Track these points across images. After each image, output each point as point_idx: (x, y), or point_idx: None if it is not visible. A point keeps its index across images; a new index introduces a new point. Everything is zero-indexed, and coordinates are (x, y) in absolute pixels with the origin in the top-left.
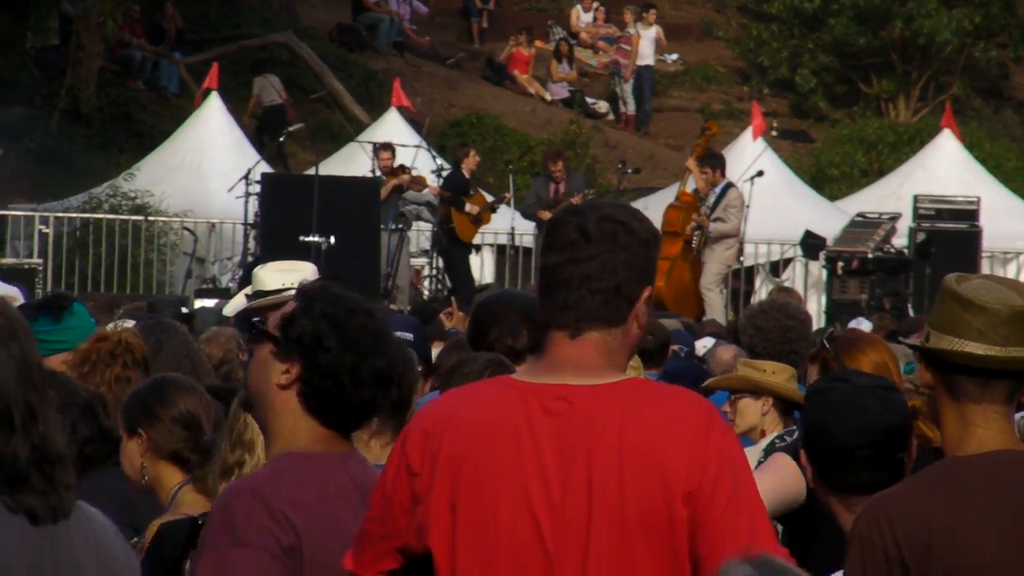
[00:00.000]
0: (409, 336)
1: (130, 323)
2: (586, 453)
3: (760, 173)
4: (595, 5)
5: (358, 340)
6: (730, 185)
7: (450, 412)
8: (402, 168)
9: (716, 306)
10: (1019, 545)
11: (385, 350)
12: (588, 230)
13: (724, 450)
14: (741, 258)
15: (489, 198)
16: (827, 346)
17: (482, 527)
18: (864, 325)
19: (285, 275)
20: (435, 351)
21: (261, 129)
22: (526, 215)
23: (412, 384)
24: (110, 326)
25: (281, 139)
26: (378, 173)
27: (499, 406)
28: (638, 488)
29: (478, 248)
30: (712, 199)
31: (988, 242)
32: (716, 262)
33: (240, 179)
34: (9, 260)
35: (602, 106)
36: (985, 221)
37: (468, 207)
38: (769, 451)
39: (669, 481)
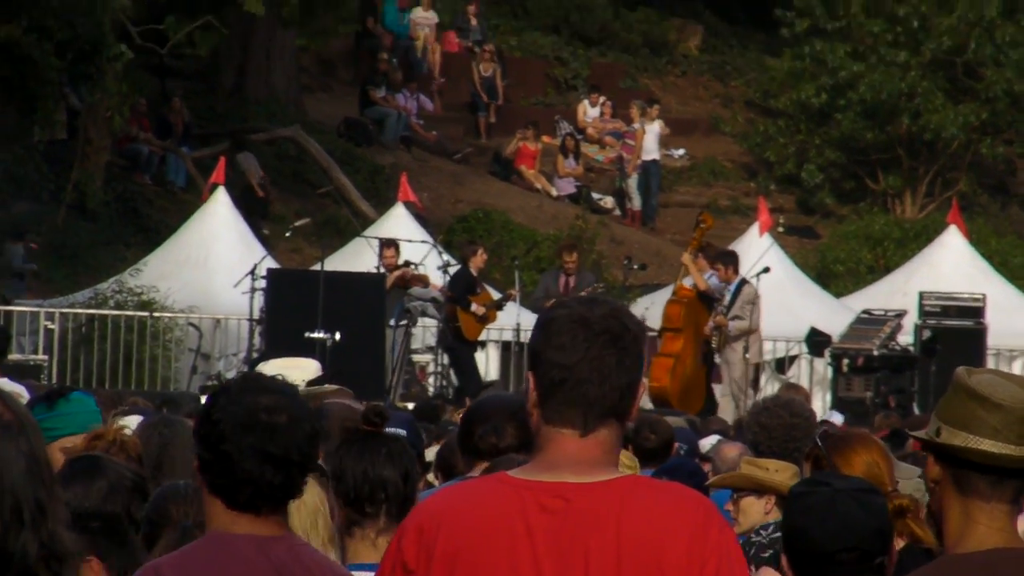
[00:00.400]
0: (402, 432)
1: (135, 419)
2: (583, 551)
3: (766, 269)
4: (602, 100)
5: (247, 424)
6: (744, 281)
7: (446, 508)
8: (406, 264)
9: (729, 409)
10: None
11: (279, 434)
12: (593, 325)
13: (722, 547)
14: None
15: (496, 295)
16: (819, 444)
17: None
18: (835, 418)
19: (288, 372)
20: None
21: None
22: (535, 310)
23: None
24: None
25: (287, 235)
26: (382, 270)
27: (495, 503)
28: None
29: (483, 344)
30: (728, 297)
31: (994, 339)
32: (739, 363)
33: (246, 274)
34: (15, 356)
35: (608, 201)
36: (991, 318)
37: (474, 307)
38: (746, 547)
39: None
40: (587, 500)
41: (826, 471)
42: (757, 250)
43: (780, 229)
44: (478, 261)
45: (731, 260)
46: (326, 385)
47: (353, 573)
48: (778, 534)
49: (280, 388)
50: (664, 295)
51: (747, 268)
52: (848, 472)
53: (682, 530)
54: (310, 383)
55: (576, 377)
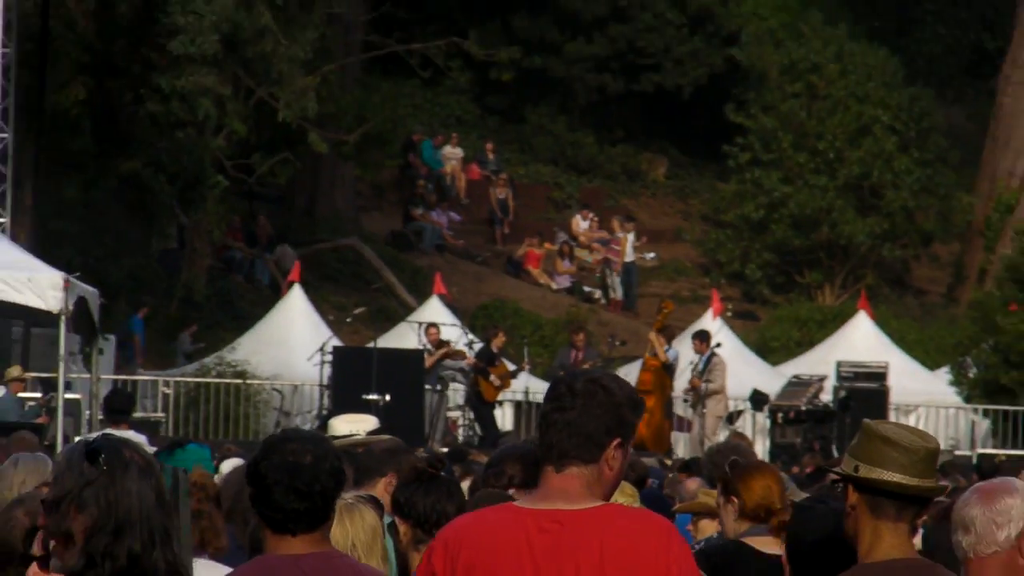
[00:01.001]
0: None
1: (232, 462)
2: (575, 564)
3: (718, 344)
4: (590, 215)
5: (279, 465)
6: (714, 353)
7: (466, 530)
8: (447, 343)
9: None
10: None
11: (303, 471)
12: (575, 388)
13: (681, 558)
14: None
15: (511, 367)
16: (727, 471)
17: None
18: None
19: (353, 425)
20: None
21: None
22: (548, 379)
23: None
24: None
25: (348, 320)
26: (428, 345)
27: (504, 526)
28: None
29: (501, 403)
30: (701, 365)
31: (895, 397)
32: (712, 416)
33: (316, 351)
34: (139, 414)
35: (596, 293)
36: (892, 381)
37: (492, 377)
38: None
39: None
40: (576, 524)
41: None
42: (711, 330)
43: (728, 314)
44: (499, 341)
45: (704, 337)
46: (383, 435)
47: None
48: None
49: (309, 436)
50: (639, 365)
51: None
52: (747, 493)
53: (650, 546)
54: (370, 433)
55: (548, 424)
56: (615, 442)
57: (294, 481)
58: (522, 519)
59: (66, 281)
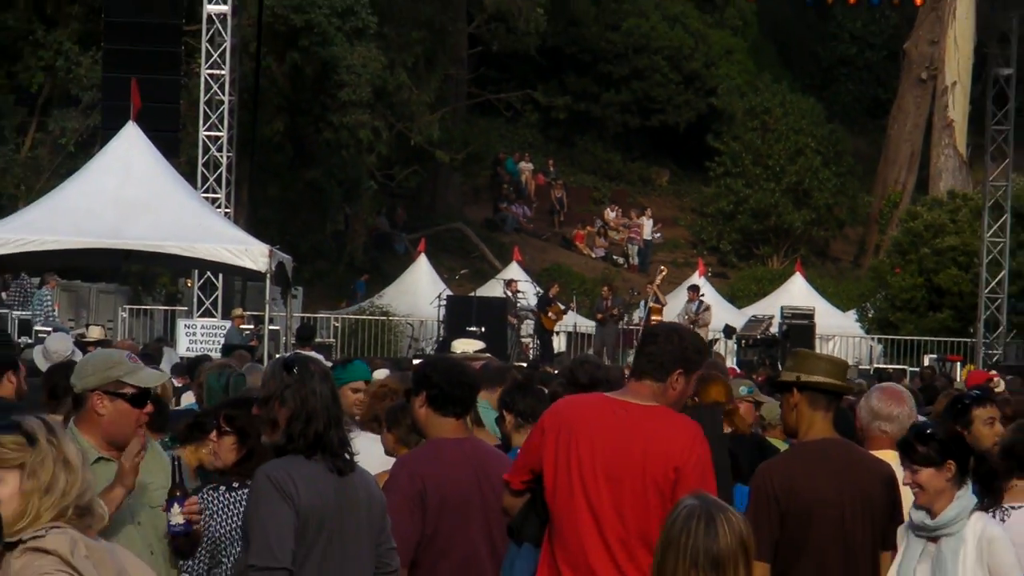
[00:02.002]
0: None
1: (383, 372)
2: (633, 436)
3: (703, 295)
4: (617, 209)
5: (448, 371)
6: (702, 300)
7: (565, 407)
8: (513, 287)
9: None
10: (834, 486)
11: (465, 376)
12: (659, 332)
13: (702, 452)
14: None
15: (562, 307)
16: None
17: (569, 463)
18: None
19: (467, 346)
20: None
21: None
22: (590, 316)
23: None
24: (376, 374)
25: (456, 278)
26: (508, 294)
27: (595, 404)
28: (653, 461)
29: (557, 333)
30: (695, 307)
31: (819, 330)
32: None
33: (436, 298)
34: (318, 340)
35: (621, 260)
36: (817, 319)
37: (550, 313)
38: None
39: (670, 460)
40: (638, 413)
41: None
42: (699, 284)
43: (709, 274)
44: (554, 290)
45: (696, 289)
46: (485, 353)
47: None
48: None
49: (460, 359)
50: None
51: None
52: (704, 395)
53: (681, 437)
54: (476, 351)
55: (641, 351)
56: (678, 371)
57: (459, 377)
58: (607, 402)
59: (270, 251)
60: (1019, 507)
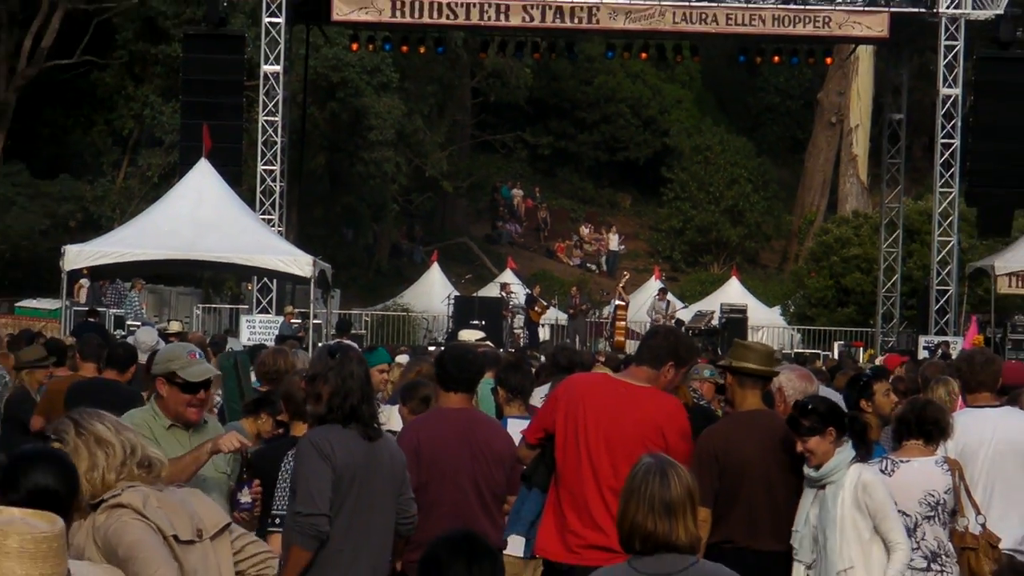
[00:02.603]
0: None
1: (405, 357)
2: (628, 408)
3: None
4: (590, 226)
5: (457, 359)
6: (669, 300)
7: (578, 382)
8: (507, 288)
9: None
10: (761, 447)
11: (469, 363)
12: (659, 331)
13: (683, 422)
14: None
15: (545, 304)
16: None
17: (576, 426)
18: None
19: (471, 335)
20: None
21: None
22: (563, 311)
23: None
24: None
25: (462, 282)
26: (504, 295)
27: (598, 383)
28: (644, 428)
29: (542, 325)
30: (664, 307)
31: (751, 323)
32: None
33: (446, 297)
34: (353, 332)
35: (593, 267)
36: (749, 314)
37: (536, 308)
38: None
39: (658, 428)
40: (633, 391)
41: None
42: (653, 288)
43: (664, 278)
44: (537, 291)
45: (664, 292)
46: (486, 341)
47: (509, 421)
48: None
49: (468, 345)
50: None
51: (649, 294)
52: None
53: (665, 410)
54: (479, 340)
55: (643, 344)
56: (670, 363)
57: (464, 362)
58: (611, 381)
59: (313, 261)
60: (907, 461)
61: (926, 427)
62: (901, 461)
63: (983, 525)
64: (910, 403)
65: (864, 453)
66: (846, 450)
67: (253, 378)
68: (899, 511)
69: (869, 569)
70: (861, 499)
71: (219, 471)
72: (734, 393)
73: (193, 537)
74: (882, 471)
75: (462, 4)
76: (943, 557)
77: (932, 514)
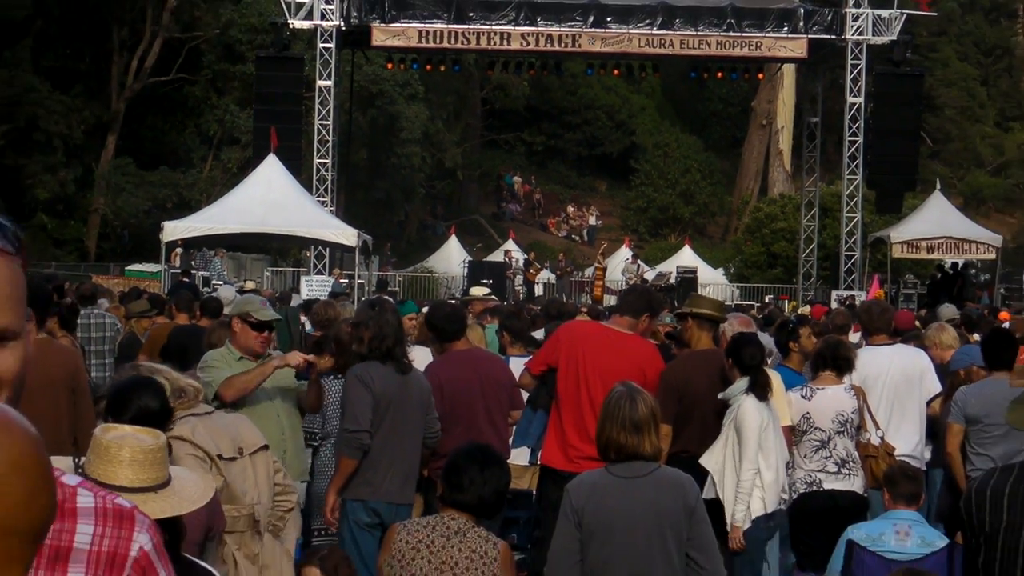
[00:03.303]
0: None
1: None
2: (615, 350)
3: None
4: (573, 206)
5: (444, 316)
6: (639, 264)
7: (576, 327)
8: (509, 255)
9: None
10: (712, 380)
11: (451, 317)
12: (636, 288)
13: (657, 361)
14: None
15: (539, 267)
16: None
17: (575, 362)
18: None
19: (480, 290)
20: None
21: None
22: (553, 271)
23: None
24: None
25: (474, 249)
26: (507, 259)
27: (592, 329)
28: (627, 366)
29: (537, 283)
30: (636, 268)
31: (700, 281)
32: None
33: (461, 262)
34: (390, 289)
35: (576, 238)
36: (700, 275)
37: (531, 270)
38: None
39: (638, 366)
40: (617, 336)
41: None
42: (626, 254)
43: (632, 246)
44: (532, 256)
45: (636, 257)
46: (492, 295)
47: (511, 358)
48: None
49: (442, 301)
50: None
51: (621, 259)
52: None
53: (644, 352)
54: (487, 294)
55: (621, 299)
56: (646, 314)
57: (447, 317)
58: (600, 328)
59: (357, 234)
60: (822, 388)
61: (838, 362)
62: (817, 388)
63: (882, 438)
64: (824, 341)
65: (760, 394)
66: (742, 382)
67: (308, 326)
68: (815, 427)
69: (733, 474)
70: (737, 421)
71: (291, 386)
72: (691, 334)
73: (235, 454)
74: (802, 396)
75: (473, 32)
76: (850, 463)
77: (842, 430)
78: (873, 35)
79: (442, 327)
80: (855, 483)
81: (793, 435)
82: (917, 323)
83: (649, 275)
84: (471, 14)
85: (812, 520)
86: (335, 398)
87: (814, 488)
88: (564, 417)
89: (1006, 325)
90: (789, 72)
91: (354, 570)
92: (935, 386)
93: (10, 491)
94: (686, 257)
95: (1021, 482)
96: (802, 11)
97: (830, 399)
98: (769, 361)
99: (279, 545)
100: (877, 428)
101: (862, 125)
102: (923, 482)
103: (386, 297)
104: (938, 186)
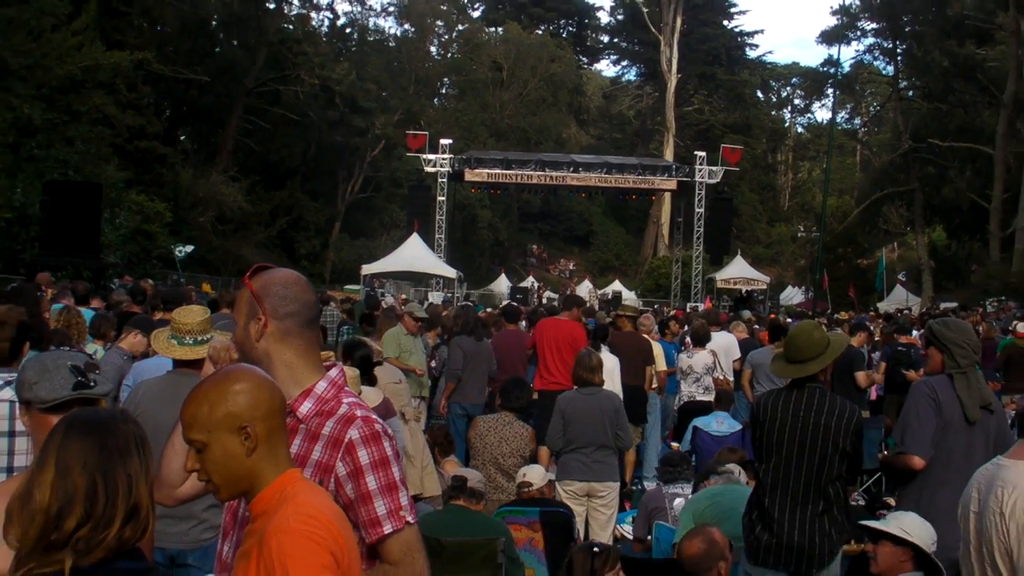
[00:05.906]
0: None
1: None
2: (561, 329)
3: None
4: (563, 259)
5: (507, 308)
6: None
7: (546, 320)
8: (531, 284)
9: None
10: (636, 344)
11: (512, 308)
12: (571, 296)
13: (584, 336)
14: None
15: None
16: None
17: (544, 339)
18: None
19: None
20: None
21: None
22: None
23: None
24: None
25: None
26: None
27: (554, 321)
28: (567, 336)
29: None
30: (593, 292)
31: (623, 298)
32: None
33: (507, 287)
34: (470, 300)
35: (564, 276)
36: (624, 293)
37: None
38: None
39: (573, 336)
40: (567, 321)
41: None
42: (588, 284)
43: (591, 281)
44: (541, 285)
45: (593, 285)
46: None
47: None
48: None
49: (513, 303)
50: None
51: (586, 287)
52: (565, 314)
53: (577, 328)
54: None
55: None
56: (576, 309)
57: (514, 310)
58: (558, 320)
59: (457, 273)
60: (696, 352)
61: (702, 339)
62: (694, 352)
63: (724, 377)
64: (694, 329)
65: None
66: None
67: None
68: (693, 371)
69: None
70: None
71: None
72: (621, 323)
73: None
74: (687, 356)
75: (515, 175)
76: (709, 389)
77: (706, 372)
78: (709, 178)
79: (507, 313)
80: (710, 396)
81: (680, 376)
82: (733, 320)
83: (598, 294)
84: (513, 165)
85: (687, 415)
86: (444, 356)
87: (691, 400)
88: (542, 363)
89: (786, 321)
90: (667, 196)
91: (452, 440)
92: (736, 352)
93: (267, 397)
94: (617, 285)
95: (779, 398)
96: (674, 166)
97: (701, 357)
98: (656, 335)
99: (419, 428)
100: (721, 371)
101: (703, 221)
102: (733, 397)
103: (468, 303)
104: (738, 253)
